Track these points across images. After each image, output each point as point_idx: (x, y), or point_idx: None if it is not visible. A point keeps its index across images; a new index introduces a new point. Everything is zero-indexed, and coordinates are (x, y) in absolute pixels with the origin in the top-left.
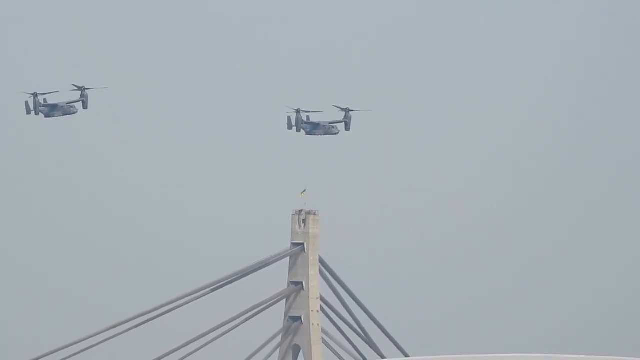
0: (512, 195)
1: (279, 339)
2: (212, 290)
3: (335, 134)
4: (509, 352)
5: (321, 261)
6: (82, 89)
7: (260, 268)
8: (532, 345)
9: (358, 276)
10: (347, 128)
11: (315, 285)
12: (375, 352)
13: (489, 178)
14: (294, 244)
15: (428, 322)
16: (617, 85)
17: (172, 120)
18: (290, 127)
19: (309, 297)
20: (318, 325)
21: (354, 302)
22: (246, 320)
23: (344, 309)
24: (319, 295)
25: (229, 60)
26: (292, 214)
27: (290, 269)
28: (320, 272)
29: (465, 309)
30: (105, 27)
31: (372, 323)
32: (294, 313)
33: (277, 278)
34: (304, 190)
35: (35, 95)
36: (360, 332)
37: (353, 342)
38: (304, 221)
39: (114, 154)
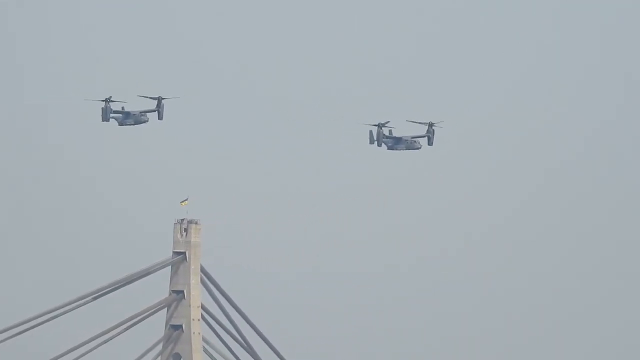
0: None
1: (159, 347)
2: (94, 299)
3: (418, 148)
4: None
5: (202, 270)
6: (159, 99)
7: (142, 277)
8: None
9: (239, 285)
10: (430, 142)
11: (197, 294)
12: None
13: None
14: (176, 253)
15: (308, 329)
16: None
17: None
18: (372, 141)
19: (190, 305)
20: (199, 333)
21: (235, 311)
22: (127, 328)
23: (225, 317)
24: (200, 304)
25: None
26: (174, 223)
27: (171, 278)
28: (202, 280)
29: (346, 314)
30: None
31: (253, 332)
32: (175, 322)
33: (158, 286)
34: (185, 199)
35: (107, 100)
36: (242, 341)
37: (234, 350)
38: (185, 230)
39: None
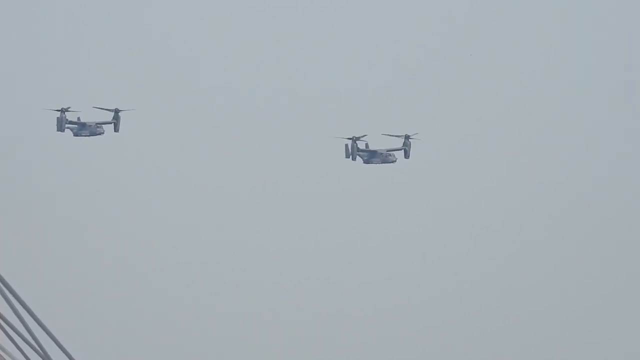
0: None
1: None
2: None
3: (393, 161)
4: None
5: None
6: (115, 110)
7: None
8: None
9: (36, 292)
10: (407, 155)
11: None
12: None
13: None
14: None
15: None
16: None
17: None
18: (347, 155)
19: None
20: None
21: (32, 318)
22: None
23: (21, 324)
24: None
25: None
26: None
27: None
28: None
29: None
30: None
31: (49, 339)
32: None
33: None
34: None
35: (63, 110)
36: (38, 349)
37: (30, 358)
38: None
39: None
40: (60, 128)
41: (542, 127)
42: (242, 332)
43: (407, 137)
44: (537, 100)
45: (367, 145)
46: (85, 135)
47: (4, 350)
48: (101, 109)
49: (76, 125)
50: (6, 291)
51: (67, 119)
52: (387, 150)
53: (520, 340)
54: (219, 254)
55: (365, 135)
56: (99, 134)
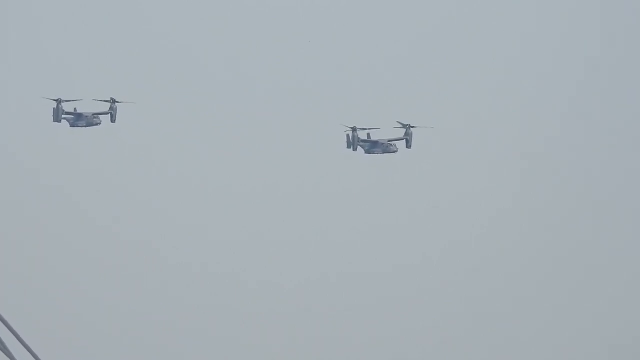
0: None
1: None
2: None
3: (394, 152)
4: None
5: None
6: (112, 101)
7: None
8: None
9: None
10: (409, 145)
11: None
12: None
13: None
14: None
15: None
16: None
17: None
18: (349, 145)
19: None
20: None
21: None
22: None
23: None
24: None
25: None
26: None
27: None
28: None
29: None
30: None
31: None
32: None
33: None
34: None
35: (59, 101)
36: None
37: None
38: None
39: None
40: (57, 119)
41: (552, 117)
42: (241, 331)
43: (408, 127)
44: (552, 91)
45: (368, 135)
46: (82, 126)
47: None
48: (99, 100)
49: (73, 116)
50: None
51: (63, 110)
52: (389, 141)
53: (524, 336)
54: (218, 253)
55: (378, 129)
56: (96, 124)
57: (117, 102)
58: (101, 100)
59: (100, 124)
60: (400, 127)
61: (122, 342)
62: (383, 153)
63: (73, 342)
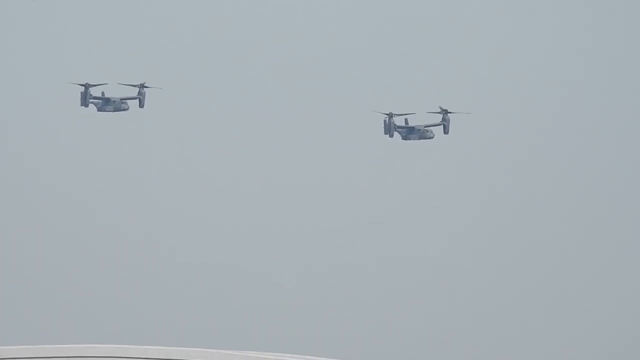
0: None
1: None
2: None
3: (431, 137)
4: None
5: None
6: (140, 86)
7: None
8: None
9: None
10: (446, 131)
11: None
12: None
13: None
14: None
15: None
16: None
17: None
18: (386, 131)
19: None
20: None
21: None
22: None
23: None
24: None
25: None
26: None
27: None
28: None
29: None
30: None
31: None
32: None
33: None
34: None
35: (86, 86)
36: None
37: None
38: None
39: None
40: (84, 103)
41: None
42: (242, 331)
43: (445, 112)
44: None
45: (406, 120)
46: (109, 111)
47: None
48: (126, 85)
49: (100, 100)
50: None
51: (91, 94)
52: (425, 126)
53: (524, 336)
54: (220, 253)
55: (413, 113)
56: (124, 109)
57: (147, 87)
58: (130, 85)
59: (128, 109)
60: (438, 113)
61: (122, 342)
62: (420, 139)
63: (73, 342)
